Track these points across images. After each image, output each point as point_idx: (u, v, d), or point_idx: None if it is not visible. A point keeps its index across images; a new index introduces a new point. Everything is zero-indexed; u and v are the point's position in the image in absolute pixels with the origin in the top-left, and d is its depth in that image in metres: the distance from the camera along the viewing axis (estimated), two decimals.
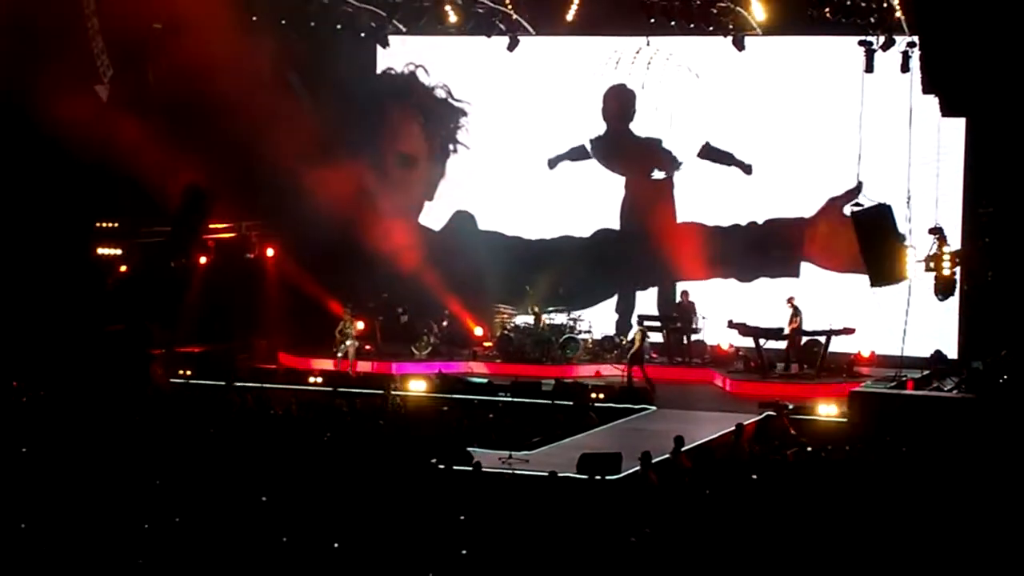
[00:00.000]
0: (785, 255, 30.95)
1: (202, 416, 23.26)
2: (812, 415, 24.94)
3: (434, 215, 33.86)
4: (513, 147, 32.78)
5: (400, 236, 32.97)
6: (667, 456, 20.78)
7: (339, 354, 29.99)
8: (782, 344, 29.42)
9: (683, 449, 21.07)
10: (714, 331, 30.80)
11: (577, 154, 32.59)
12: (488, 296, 32.08)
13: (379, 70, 33.71)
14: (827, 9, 27.50)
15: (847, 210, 27.05)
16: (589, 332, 31.61)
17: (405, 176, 33.77)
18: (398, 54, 33.00)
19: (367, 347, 31.03)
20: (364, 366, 30.15)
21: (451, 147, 33.56)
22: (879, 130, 28.41)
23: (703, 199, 31.72)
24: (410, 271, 32.20)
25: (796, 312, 29.18)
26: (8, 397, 23.96)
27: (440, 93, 33.47)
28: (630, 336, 30.05)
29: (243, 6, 29.54)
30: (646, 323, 31.62)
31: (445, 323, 31.80)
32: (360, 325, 30.42)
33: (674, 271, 31.64)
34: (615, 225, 32.59)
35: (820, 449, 21.41)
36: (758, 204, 31.25)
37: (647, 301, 32.34)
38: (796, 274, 30.87)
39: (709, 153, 31.62)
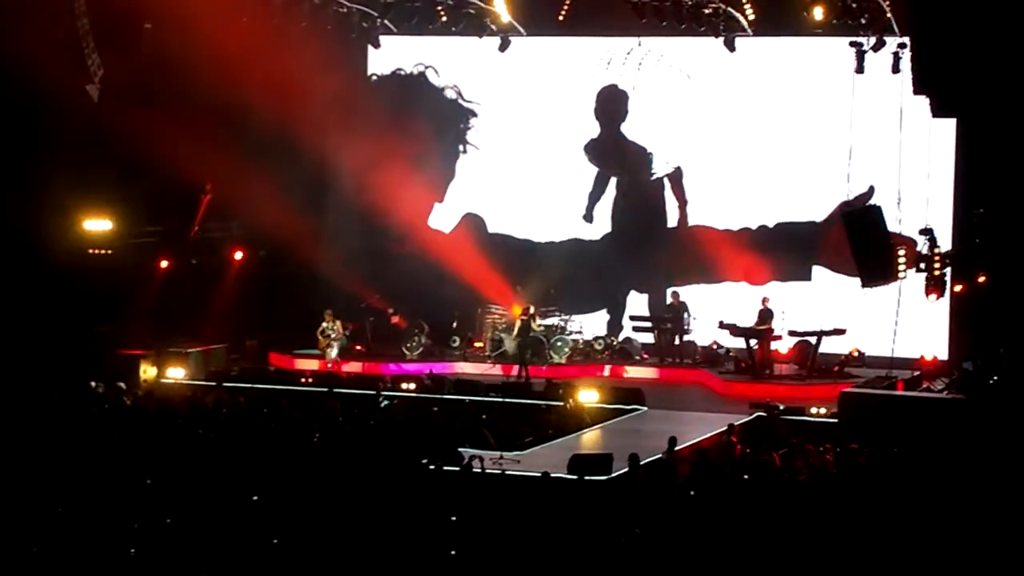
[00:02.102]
0: (798, 259, 30.90)
1: (192, 416, 23.22)
2: (802, 416, 24.95)
3: (444, 217, 33.82)
4: (512, 148, 32.75)
5: (408, 237, 33.05)
6: (659, 456, 20.77)
7: (332, 354, 29.97)
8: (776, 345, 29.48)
9: (676, 449, 21.08)
10: (705, 331, 30.83)
11: (600, 190, 32.56)
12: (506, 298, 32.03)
13: (369, 70, 33.71)
14: (818, 10, 27.54)
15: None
16: (580, 332, 31.61)
17: (414, 177, 33.71)
18: (388, 54, 32.97)
19: (357, 347, 31.03)
20: (355, 366, 30.15)
21: (461, 148, 33.52)
22: (870, 131, 28.45)
23: (693, 199, 31.81)
24: (418, 272, 32.22)
25: (768, 314, 29.17)
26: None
27: (450, 94, 33.44)
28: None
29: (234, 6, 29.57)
30: (636, 323, 31.73)
31: (455, 324, 31.78)
32: (337, 325, 30.24)
33: (680, 274, 31.53)
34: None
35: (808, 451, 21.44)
36: (747, 205, 31.25)
37: (638, 302, 32.35)
38: (808, 277, 30.81)
39: (675, 178, 31.69)
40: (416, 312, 31.64)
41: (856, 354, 29.30)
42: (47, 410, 22.92)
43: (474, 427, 23.40)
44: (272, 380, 28.41)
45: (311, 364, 30.17)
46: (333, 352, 30.03)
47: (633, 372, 30.70)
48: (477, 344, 31.69)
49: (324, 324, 30.10)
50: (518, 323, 30.14)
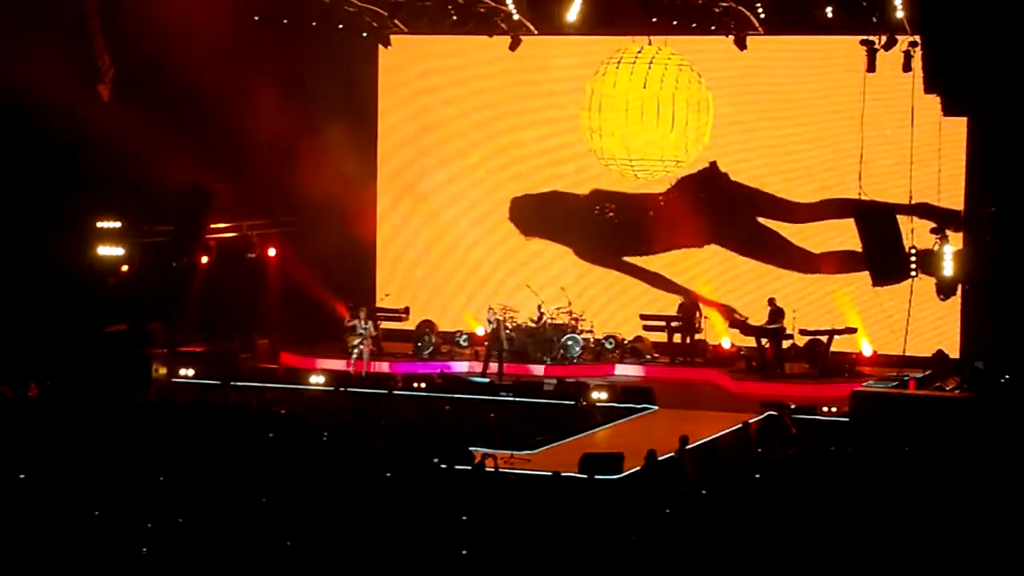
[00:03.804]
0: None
1: (203, 416, 23.25)
2: (814, 415, 24.92)
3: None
4: (522, 147, 32.74)
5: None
6: (671, 455, 20.78)
7: (365, 354, 29.69)
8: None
9: (688, 447, 21.09)
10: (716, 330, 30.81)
11: None
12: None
13: (380, 70, 33.69)
14: (829, 9, 27.52)
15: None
16: (591, 331, 31.52)
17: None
18: (399, 54, 32.95)
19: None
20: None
21: None
22: (881, 129, 28.40)
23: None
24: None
25: (778, 313, 29.11)
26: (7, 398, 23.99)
27: None
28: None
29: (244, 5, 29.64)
30: (647, 322, 31.65)
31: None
32: (371, 325, 29.92)
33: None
34: None
35: (821, 449, 21.42)
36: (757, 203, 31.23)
37: (650, 300, 32.34)
38: None
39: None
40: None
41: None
42: (59, 411, 22.98)
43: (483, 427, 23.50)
44: (282, 380, 28.46)
45: (327, 363, 30.00)
46: (364, 353, 29.71)
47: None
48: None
49: (356, 322, 29.77)
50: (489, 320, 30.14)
